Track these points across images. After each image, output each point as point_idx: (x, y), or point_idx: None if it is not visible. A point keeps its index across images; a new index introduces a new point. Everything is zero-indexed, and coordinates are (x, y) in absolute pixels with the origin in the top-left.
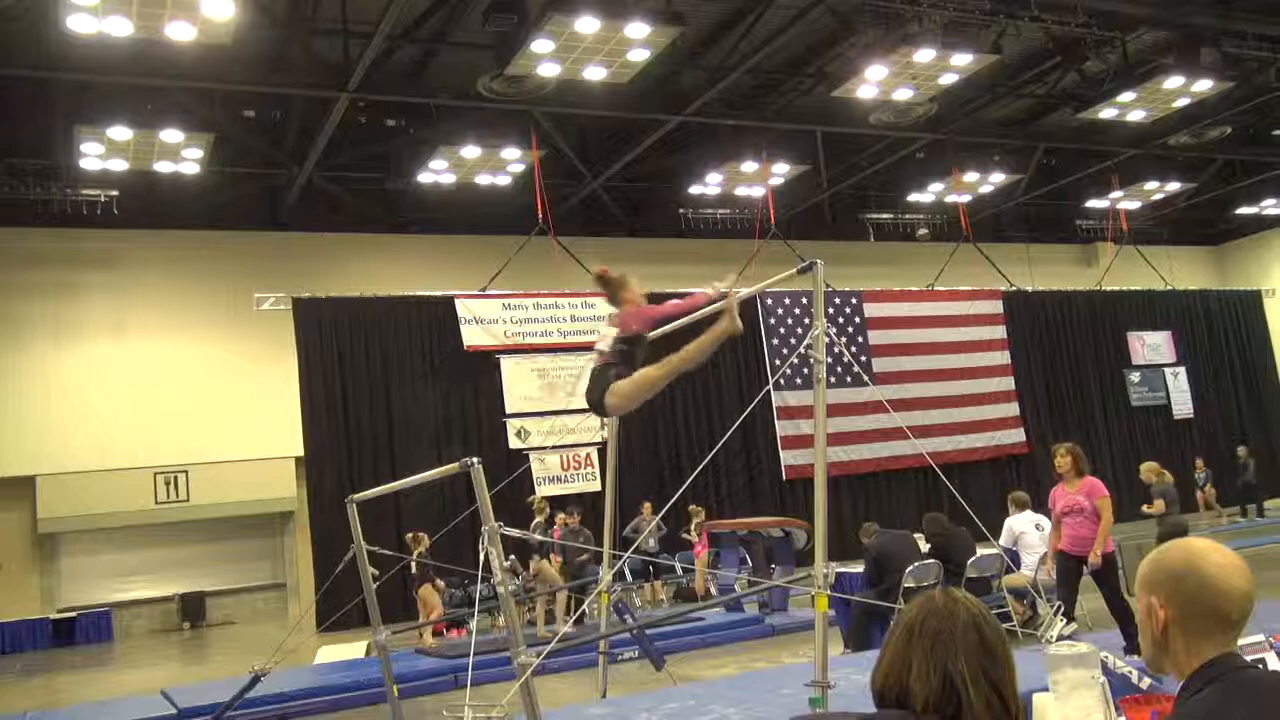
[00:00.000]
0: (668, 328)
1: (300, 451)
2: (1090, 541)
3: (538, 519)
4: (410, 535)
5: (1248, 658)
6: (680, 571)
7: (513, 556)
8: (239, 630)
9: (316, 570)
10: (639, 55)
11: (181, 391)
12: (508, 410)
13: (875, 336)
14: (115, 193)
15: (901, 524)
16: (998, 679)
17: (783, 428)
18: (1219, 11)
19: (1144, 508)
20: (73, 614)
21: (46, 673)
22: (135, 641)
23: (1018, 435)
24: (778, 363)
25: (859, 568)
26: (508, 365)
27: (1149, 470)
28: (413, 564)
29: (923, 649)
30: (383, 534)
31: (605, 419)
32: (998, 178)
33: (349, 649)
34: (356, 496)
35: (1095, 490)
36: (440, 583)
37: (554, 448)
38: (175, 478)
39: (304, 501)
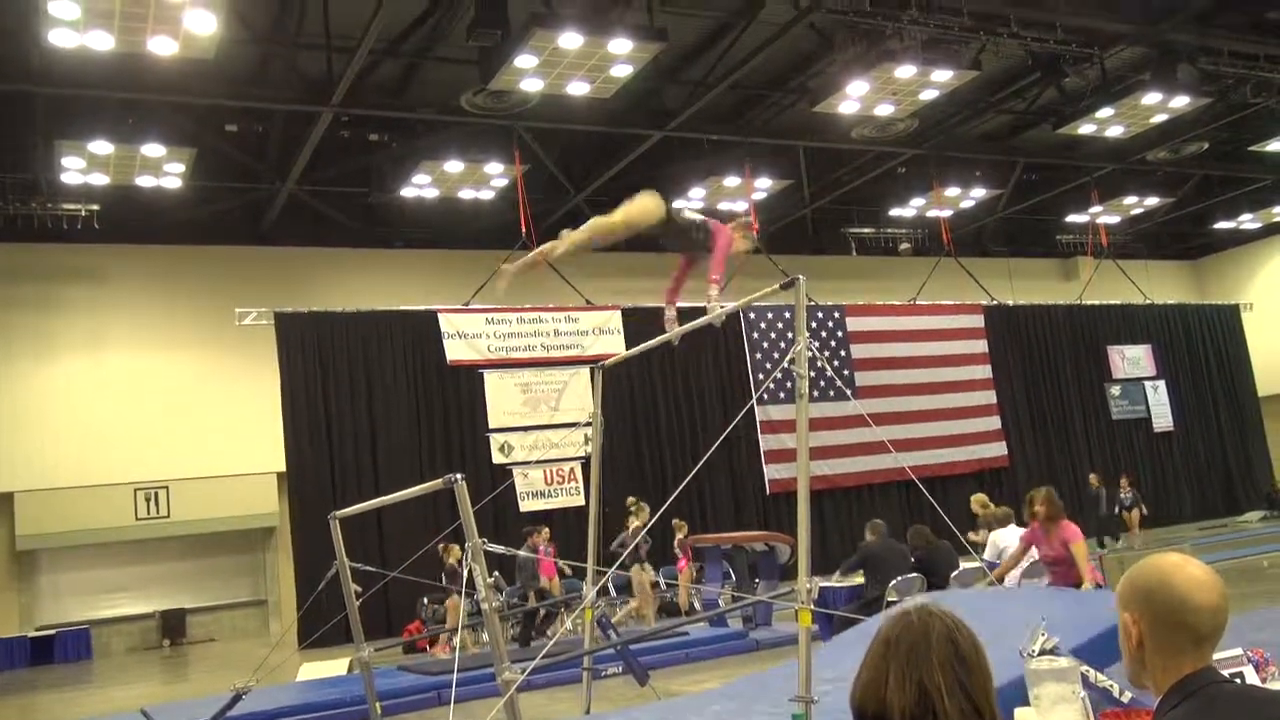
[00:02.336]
0: None
1: (282, 467)
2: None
3: (635, 523)
4: (442, 547)
5: (1225, 672)
6: (664, 587)
7: (496, 573)
8: (220, 647)
9: (298, 587)
10: (622, 70)
11: (162, 407)
12: (491, 425)
13: (858, 350)
14: (96, 207)
15: (980, 530)
16: (973, 689)
17: (766, 442)
18: (1195, 29)
19: (969, 534)
20: (51, 632)
21: (24, 692)
22: (115, 659)
23: (999, 449)
24: (760, 377)
25: (842, 582)
26: (491, 380)
27: (976, 502)
28: (443, 576)
29: (899, 662)
30: (365, 550)
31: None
32: (978, 193)
33: (331, 666)
34: (339, 513)
35: (1071, 537)
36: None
37: (537, 463)
38: (156, 493)
39: (286, 517)
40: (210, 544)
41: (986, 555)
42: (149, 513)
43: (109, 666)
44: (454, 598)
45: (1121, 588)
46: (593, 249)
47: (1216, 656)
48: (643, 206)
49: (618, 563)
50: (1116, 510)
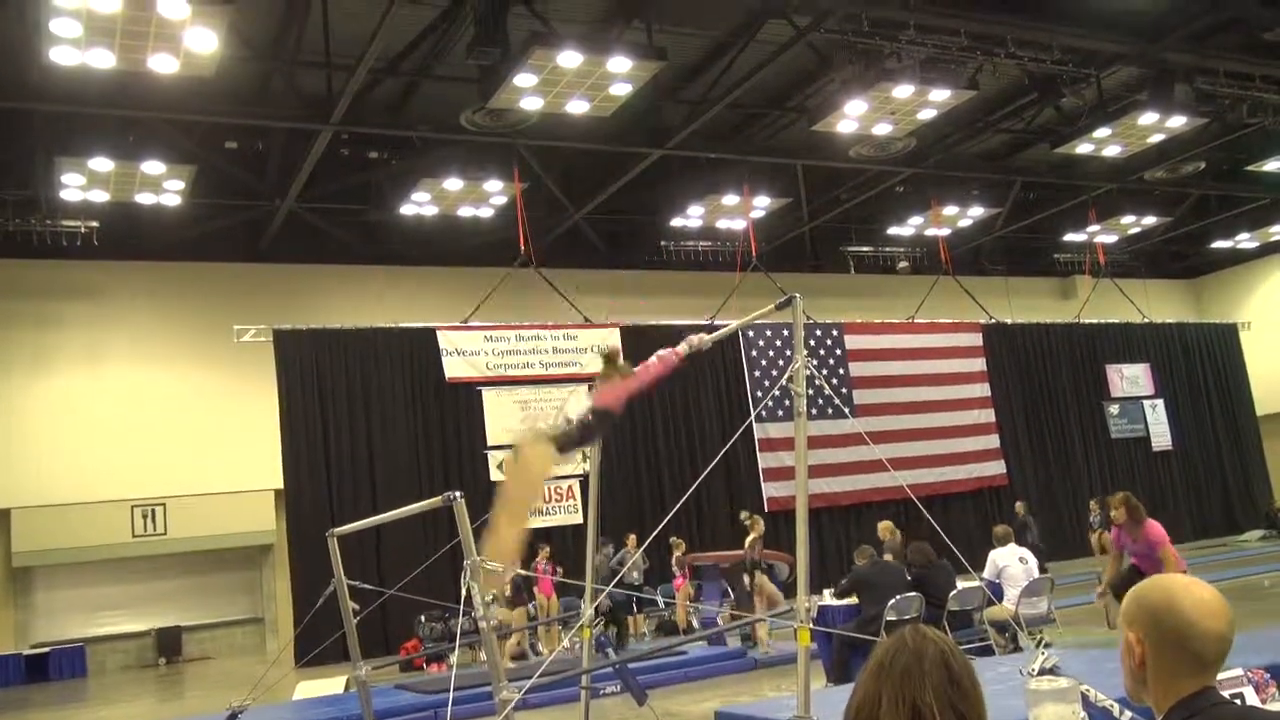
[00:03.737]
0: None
1: (280, 484)
2: None
3: (752, 535)
4: None
5: (1225, 693)
6: (662, 605)
7: (494, 591)
8: (216, 665)
9: (295, 604)
10: (621, 89)
11: (160, 423)
12: (489, 442)
13: (856, 369)
14: (95, 224)
15: (883, 556)
16: (966, 711)
17: (764, 460)
18: (1192, 49)
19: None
20: (46, 649)
21: (19, 710)
22: (110, 677)
23: (998, 467)
24: (759, 395)
25: (840, 600)
26: (489, 397)
27: (884, 529)
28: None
29: (892, 684)
30: (363, 567)
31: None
32: (976, 211)
33: (328, 684)
34: (337, 530)
35: (1157, 541)
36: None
37: None
38: (153, 510)
39: (283, 535)
40: (207, 561)
41: (986, 574)
42: (145, 530)
43: (104, 684)
44: (519, 608)
45: (1127, 605)
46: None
47: (1217, 676)
48: (538, 470)
49: (615, 580)
50: (1096, 534)
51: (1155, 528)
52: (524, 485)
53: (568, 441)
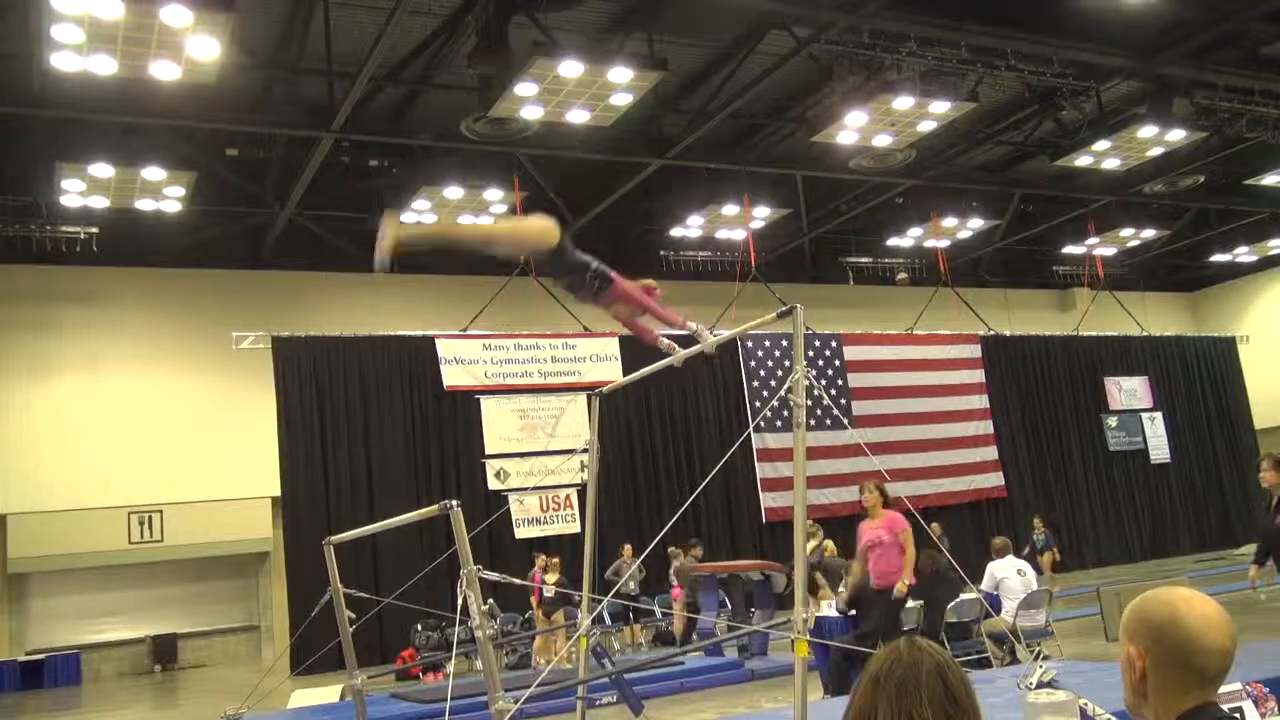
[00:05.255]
0: None
1: (277, 492)
2: (893, 574)
3: (811, 543)
4: (543, 562)
5: (1225, 707)
6: (659, 615)
7: (490, 600)
8: (211, 673)
9: (292, 612)
10: (622, 99)
11: (157, 430)
12: (487, 451)
13: (855, 379)
14: (95, 230)
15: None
16: None
17: (763, 470)
18: (1191, 63)
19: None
20: (41, 656)
21: (12, 717)
22: (105, 685)
23: (996, 479)
24: (758, 405)
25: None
26: (488, 405)
27: (824, 548)
28: (540, 590)
29: (888, 697)
30: (359, 576)
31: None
32: (976, 223)
33: (323, 693)
34: (334, 539)
35: (896, 524)
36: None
37: (534, 489)
38: (149, 517)
39: (280, 542)
40: (203, 569)
41: (984, 586)
42: (142, 536)
43: (99, 692)
44: (559, 612)
45: (1128, 619)
46: (468, 250)
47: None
48: (538, 227)
49: (614, 590)
50: (1026, 552)
51: (896, 515)
52: (515, 225)
53: (570, 257)
